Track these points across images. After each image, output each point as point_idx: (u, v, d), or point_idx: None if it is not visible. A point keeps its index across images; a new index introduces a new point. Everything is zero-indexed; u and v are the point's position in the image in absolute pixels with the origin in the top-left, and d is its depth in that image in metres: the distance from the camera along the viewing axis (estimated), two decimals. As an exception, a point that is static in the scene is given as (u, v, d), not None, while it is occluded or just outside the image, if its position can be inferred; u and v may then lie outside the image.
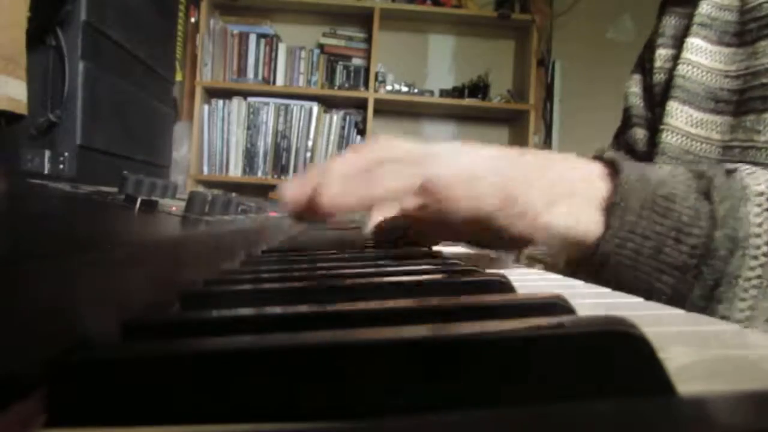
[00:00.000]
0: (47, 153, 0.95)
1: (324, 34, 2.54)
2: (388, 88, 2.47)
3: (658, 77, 0.64)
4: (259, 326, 0.17)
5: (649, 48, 0.68)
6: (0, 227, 0.24)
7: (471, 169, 0.36)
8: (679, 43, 0.61)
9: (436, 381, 0.13)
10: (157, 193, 0.55)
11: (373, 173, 0.34)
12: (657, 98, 0.63)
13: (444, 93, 2.55)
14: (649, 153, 0.65)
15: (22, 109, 0.80)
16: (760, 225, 0.34)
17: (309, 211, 0.35)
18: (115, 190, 0.61)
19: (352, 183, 0.34)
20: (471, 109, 2.58)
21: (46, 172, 0.95)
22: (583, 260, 0.38)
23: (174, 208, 0.48)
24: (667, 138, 0.59)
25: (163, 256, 0.25)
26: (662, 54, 0.64)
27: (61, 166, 0.96)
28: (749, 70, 0.55)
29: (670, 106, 0.59)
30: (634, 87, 0.69)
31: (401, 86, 2.48)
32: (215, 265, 0.34)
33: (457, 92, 2.53)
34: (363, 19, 2.53)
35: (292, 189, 0.35)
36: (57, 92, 0.96)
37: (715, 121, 0.57)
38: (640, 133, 0.67)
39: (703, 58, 0.59)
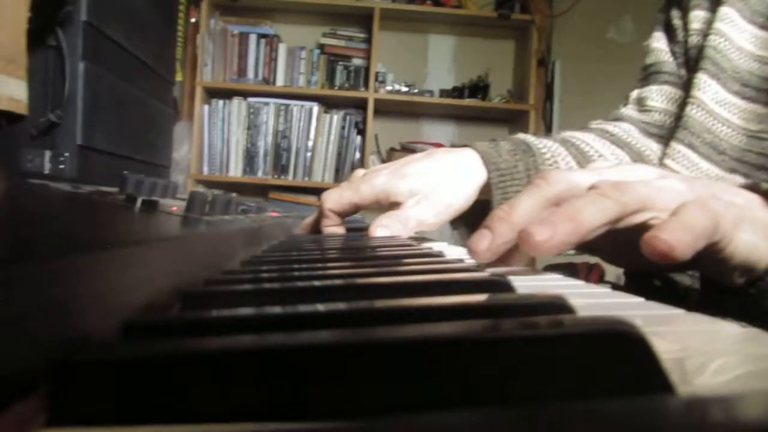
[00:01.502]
0: (47, 153, 0.95)
1: (324, 34, 2.54)
2: (388, 88, 2.47)
3: (694, 39, 0.62)
4: (259, 326, 0.17)
5: (677, 5, 0.65)
6: (0, 227, 0.24)
7: (666, 190, 0.33)
8: (713, 8, 0.59)
9: (435, 381, 0.13)
10: (157, 193, 0.55)
11: (575, 209, 0.31)
12: (691, 62, 0.61)
13: (444, 93, 2.55)
14: (671, 113, 0.64)
15: (22, 109, 0.80)
16: None
17: (512, 259, 0.34)
18: (115, 190, 0.61)
19: (559, 222, 0.30)
20: (471, 109, 2.58)
21: (46, 172, 0.95)
22: (738, 287, 0.36)
23: (174, 208, 0.48)
24: (691, 111, 0.57)
25: (163, 256, 0.25)
26: (699, 15, 0.61)
27: (62, 166, 0.96)
28: None
29: (698, 77, 0.58)
30: (658, 43, 0.67)
31: (401, 86, 2.48)
32: (215, 265, 0.34)
33: (457, 92, 2.53)
34: (363, 19, 2.53)
35: (482, 245, 0.34)
36: (57, 92, 0.96)
37: (738, 105, 0.56)
38: (674, 94, 0.65)
39: (734, 32, 0.57)
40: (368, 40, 2.50)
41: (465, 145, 0.59)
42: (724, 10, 0.58)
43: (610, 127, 0.65)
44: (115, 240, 0.23)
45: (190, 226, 0.39)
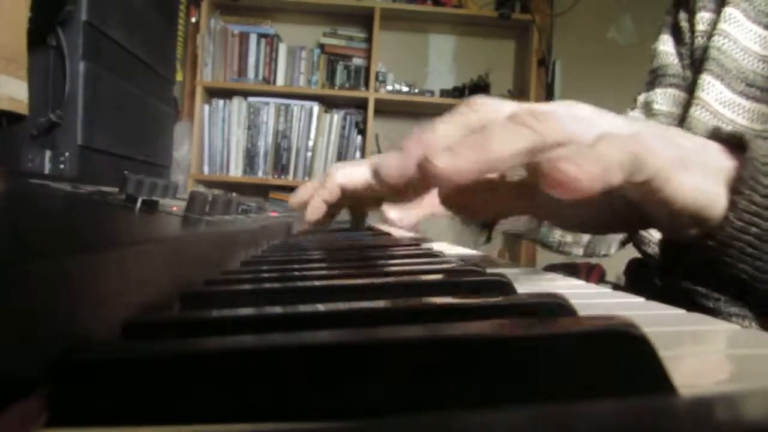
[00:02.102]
0: (48, 153, 0.95)
1: (324, 34, 2.54)
2: (389, 87, 2.47)
3: (700, 41, 0.61)
4: (259, 326, 0.17)
5: (685, 7, 0.65)
6: (0, 227, 0.24)
7: (596, 126, 0.29)
8: (718, 9, 0.58)
9: (435, 381, 0.13)
10: (157, 193, 0.55)
11: (485, 135, 0.28)
12: (696, 63, 0.60)
13: (444, 93, 2.55)
14: (676, 115, 0.62)
15: (22, 109, 0.80)
16: None
17: (416, 188, 0.30)
18: (115, 190, 0.61)
19: (464, 149, 0.27)
20: (471, 109, 2.58)
21: (46, 172, 0.95)
22: (695, 242, 0.33)
23: (175, 208, 0.48)
24: (696, 113, 0.56)
25: (163, 256, 0.25)
26: (705, 17, 0.61)
27: (62, 166, 0.96)
28: None
29: (702, 78, 0.57)
30: (664, 46, 0.66)
31: (402, 86, 2.48)
32: (215, 265, 0.34)
33: (457, 92, 2.53)
34: (363, 19, 2.53)
35: (392, 164, 0.30)
36: (58, 92, 0.96)
37: (743, 105, 0.55)
38: (678, 96, 0.65)
39: (739, 32, 0.56)
40: (369, 40, 2.50)
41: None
42: (728, 11, 0.57)
43: None
44: (116, 240, 0.22)
45: (191, 226, 0.39)
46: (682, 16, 0.65)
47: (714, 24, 0.59)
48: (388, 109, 2.56)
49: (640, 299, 0.29)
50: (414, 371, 0.13)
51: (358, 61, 2.53)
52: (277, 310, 0.20)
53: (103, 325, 0.17)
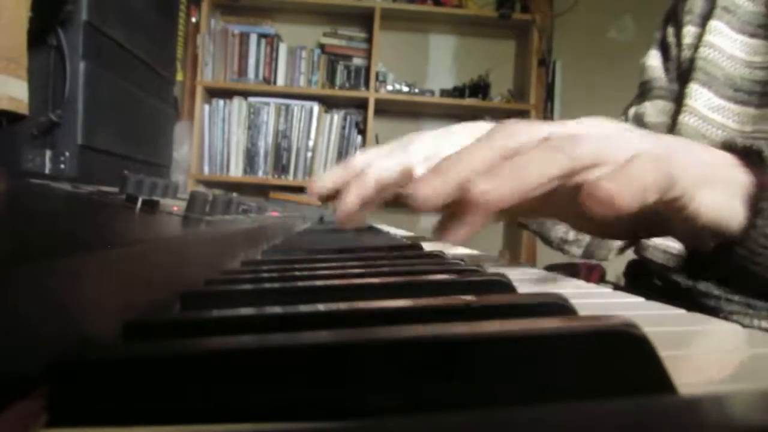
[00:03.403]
0: (48, 153, 0.95)
1: (325, 34, 2.54)
2: (389, 87, 2.47)
3: (686, 53, 0.64)
4: (259, 326, 0.17)
5: (673, 23, 0.67)
6: (1, 227, 0.24)
7: (627, 143, 0.31)
8: (704, 22, 0.61)
9: (436, 381, 0.13)
10: (157, 193, 0.55)
11: (523, 161, 0.29)
12: (684, 75, 0.63)
13: (444, 93, 2.55)
14: (664, 125, 0.65)
15: (23, 108, 0.80)
16: None
17: (455, 214, 0.30)
18: (116, 190, 0.61)
19: (504, 175, 0.29)
20: (472, 109, 2.58)
21: (47, 171, 0.95)
22: (713, 254, 0.35)
23: (175, 208, 0.48)
24: (685, 119, 0.59)
25: (163, 256, 0.25)
26: (691, 31, 0.63)
27: (62, 166, 0.96)
28: None
29: (690, 87, 0.59)
30: (653, 61, 0.69)
31: (402, 86, 2.48)
32: (216, 265, 0.34)
33: (457, 92, 2.53)
34: (364, 18, 2.53)
35: (430, 188, 0.30)
36: (58, 92, 0.96)
37: (732, 109, 0.57)
38: (665, 106, 0.66)
39: (724, 42, 0.59)
40: (369, 40, 2.50)
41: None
42: (713, 24, 0.60)
43: None
44: (116, 240, 0.22)
45: (191, 226, 0.39)
46: (670, 31, 0.68)
47: (700, 37, 0.62)
48: (388, 109, 2.56)
49: (640, 299, 0.29)
50: (414, 371, 0.13)
51: (358, 61, 2.53)
52: (277, 310, 0.19)
53: (103, 325, 0.17)
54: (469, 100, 2.49)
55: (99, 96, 1.03)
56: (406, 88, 2.48)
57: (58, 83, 0.96)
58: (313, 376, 0.12)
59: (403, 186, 0.48)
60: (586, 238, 0.68)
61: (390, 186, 0.49)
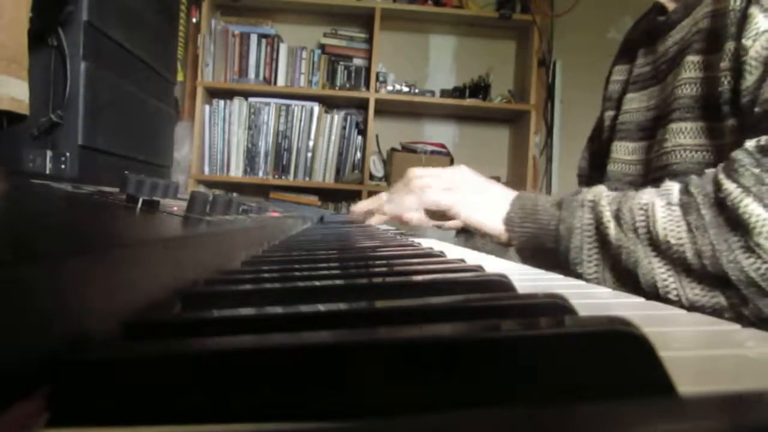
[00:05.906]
0: (49, 153, 0.95)
1: (325, 35, 2.54)
2: (389, 88, 2.47)
3: (606, 133, 0.88)
4: (259, 326, 0.17)
5: (600, 117, 0.94)
6: (1, 227, 0.24)
7: (447, 187, 0.75)
8: (617, 104, 0.86)
9: (436, 381, 0.13)
10: (158, 194, 0.55)
11: (396, 199, 0.80)
12: (605, 145, 0.87)
13: (445, 93, 2.55)
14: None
15: (23, 109, 0.80)
16: (584, 217, 0.60)
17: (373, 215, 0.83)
18: (116, 190, 0.61)
19: (393, 203, 0.80)
20: (472, 110, 2.58)
21: (47, 172, 0.95)
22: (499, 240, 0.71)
23: (175, 208, 0.48)
24: (611, 167, 0.83)
25: (164, 256, 0.25)
26: (609, 114, 0.89)
27: (63, 166, 0.96)
28: (664, 100, 0.72)
29: (614, 145, 0.83)
30: (584, 153, 0.98)
31: (402, 86, 2.48)
32: (216, 265, 0.34)
33: (458, 92, 2.53)
34: (364, 19, 2.53)
35: (370, 219, 0.88)
36: (59, 92, 0.96)
37: (643, 146, 0.78)
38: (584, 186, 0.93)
39: (634, 104, 0.81)
40: (369, 40, 2.50)
41: None
42: (627, 97, 0.82)
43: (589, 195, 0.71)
44: (117, 240, 0.23)
45: (191, 226, 0.39)
46: (598, 122, 0.95)
47: (614, 118, 0.85)
48: (388, 110, 2.56)
49: (640, 299, 0.29)
50: (414, 371, 0.13)
51: (358, 62, 2.53)
52: (278, 310, 0.20)
53: (103, 325, 0.17)
54: (470, 101, 2.49)
55: (100, 96, 1.03)
56: (406, 89, 2.48)
57: (58, 84, 0.96)
58: (313, 376, 0.12)
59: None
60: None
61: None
